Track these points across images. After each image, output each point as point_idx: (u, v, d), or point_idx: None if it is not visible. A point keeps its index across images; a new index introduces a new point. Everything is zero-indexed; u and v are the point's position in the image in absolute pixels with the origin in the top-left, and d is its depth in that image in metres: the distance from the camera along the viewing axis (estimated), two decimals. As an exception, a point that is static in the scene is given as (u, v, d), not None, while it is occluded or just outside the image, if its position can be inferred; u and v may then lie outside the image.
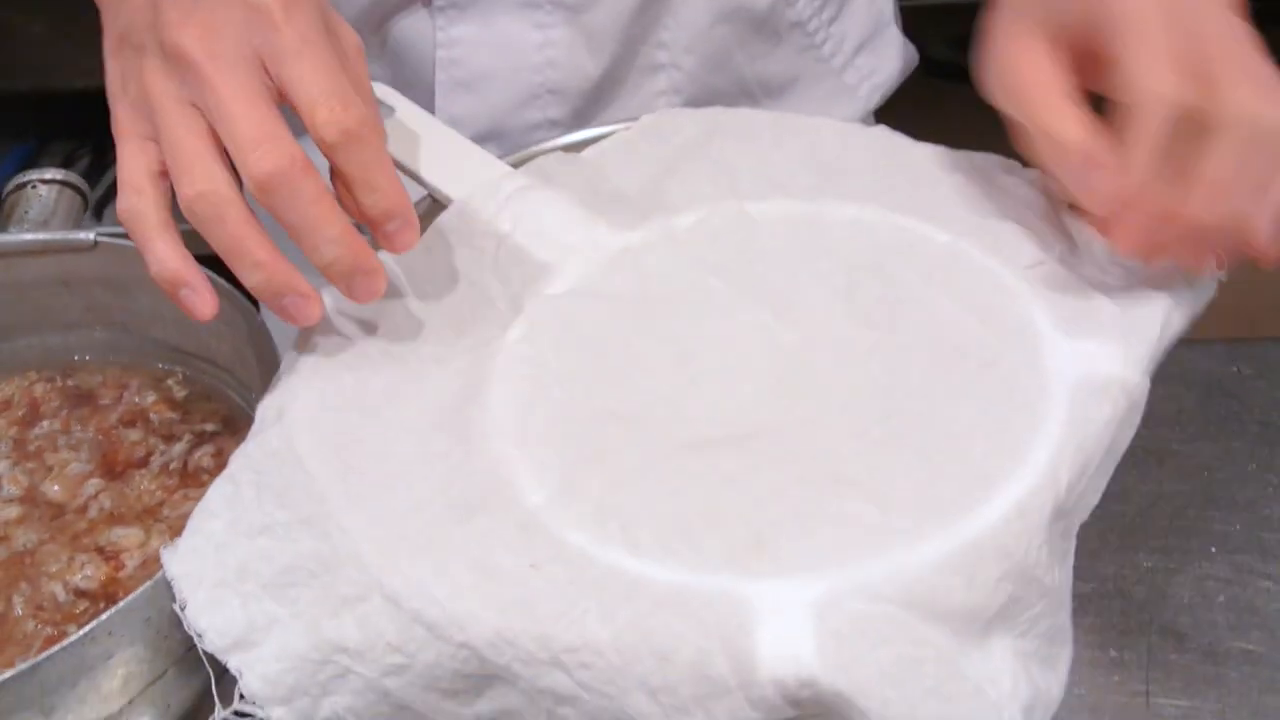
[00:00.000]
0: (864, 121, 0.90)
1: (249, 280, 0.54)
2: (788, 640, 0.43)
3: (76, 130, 1.83)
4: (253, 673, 0.49)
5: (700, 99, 0.83)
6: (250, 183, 0.52)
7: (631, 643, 0.44)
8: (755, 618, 0.44)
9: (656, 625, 0.45)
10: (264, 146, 0.51)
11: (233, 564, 0.51)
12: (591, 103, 0.81)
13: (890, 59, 0.91)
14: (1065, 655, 0.49)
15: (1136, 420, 0.52)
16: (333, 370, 0.57)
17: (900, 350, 0.55)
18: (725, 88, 0.83)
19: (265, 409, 0.57)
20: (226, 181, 0.53)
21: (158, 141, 0.54)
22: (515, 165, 0.67)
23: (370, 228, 0.56)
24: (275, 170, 0.51)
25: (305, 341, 0.59)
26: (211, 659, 0.50)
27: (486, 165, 0.66)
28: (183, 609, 0.51)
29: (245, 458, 0.54)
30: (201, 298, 0.56)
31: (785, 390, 0.54)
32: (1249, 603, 0.66)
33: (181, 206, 0.54)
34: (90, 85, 1.73)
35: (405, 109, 0.67)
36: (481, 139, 0.80)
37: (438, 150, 0.66)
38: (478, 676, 0.47)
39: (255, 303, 0.67)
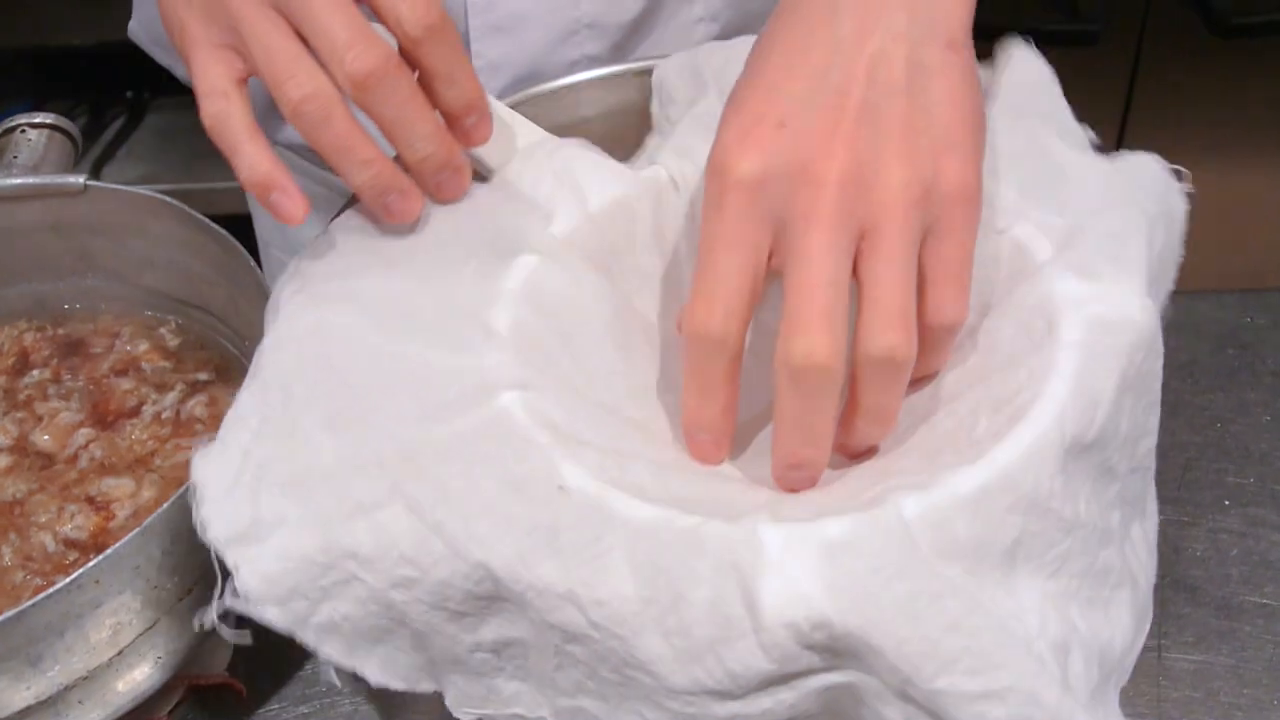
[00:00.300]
0: None
1: (357, 178, 0.54)
2: (797, 580, 0.42)
3: (75, 88, 1.81)
4: (251, 568, 0.46)
5: (735, 24, 0.81)
6: (348, 82, 0.52)
7: (650, 578, 0.43)
8: (766, 558, 0.42)
9: (675, 563, 0.43)
10: (359, 45, 0.51)
11: (253, 465, 0.49)
12: (630, 35, 0.79)
13: None
14: (1124, 599, 0.47)
15: (1157, 349, 0.49)
16: (365, 278, 0.55)
17: None
18: (759, 10, 0.82)
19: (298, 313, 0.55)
20: (329, 82, 0.52)
21: (237, 50, 0.55)
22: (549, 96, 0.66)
23: (449, 122, 0.56)
24: (375, 68, 0.51)
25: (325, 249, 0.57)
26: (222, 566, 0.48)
27: (524, 130, 0.64)
28: (198, 506, 0.49)
29: (276, 364, 0.52)
30: (294, 200, 0.55)
31: None
32: (1263, 556, 0.65)
33: (286, 111, 0.53)
34: (89, 42, 1.71)
35: None
36: (519, 82, 0.79)
37: None
38: (488, 600, 0.45)
39: (255, 254, 0.66)
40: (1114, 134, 1.62)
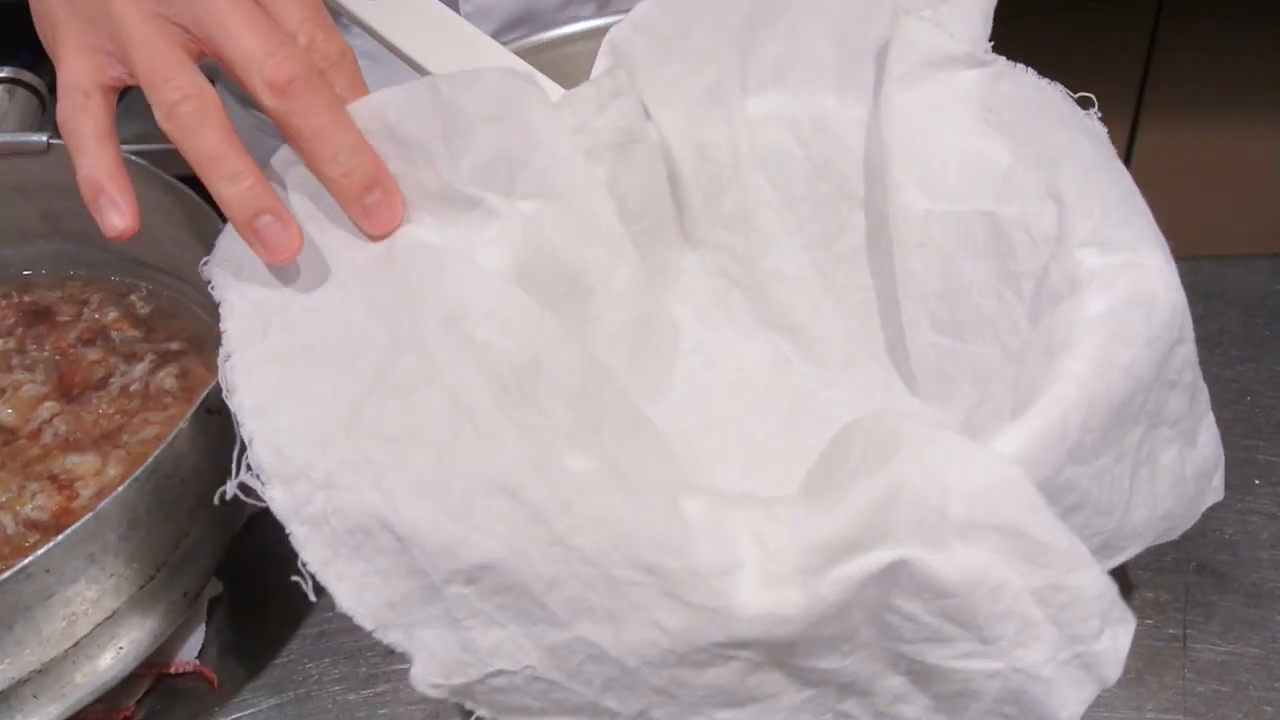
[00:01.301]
0: None
1: (226, 191, 0.50)
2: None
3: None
4: (265, 442, 0.45)
5: None
6: (266, 90, 0.48)
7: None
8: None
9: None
10: (279, 54, 0.48)
11: (282, 332, 0.48)
12: None
13: None
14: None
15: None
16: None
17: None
18: None
19: None
20: (210, 88, 0.50)
21: (115, 56, 0.51)
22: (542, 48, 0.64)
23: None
24: (296, 75, 0.48)
25: None
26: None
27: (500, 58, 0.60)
28: (226, 360, 0.48)
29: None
30: (119, 211, 0.52)
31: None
32: (1296, 539, 0.61)
33: (161, 115, 0.50)
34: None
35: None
36: (513, 23, 0.75)
37: (451, 42, 0.60)
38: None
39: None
40: (1133, 94, 1.58)
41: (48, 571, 0.49)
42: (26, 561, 0.48)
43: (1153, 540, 0.49)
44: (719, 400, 0.57)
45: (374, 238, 0.51)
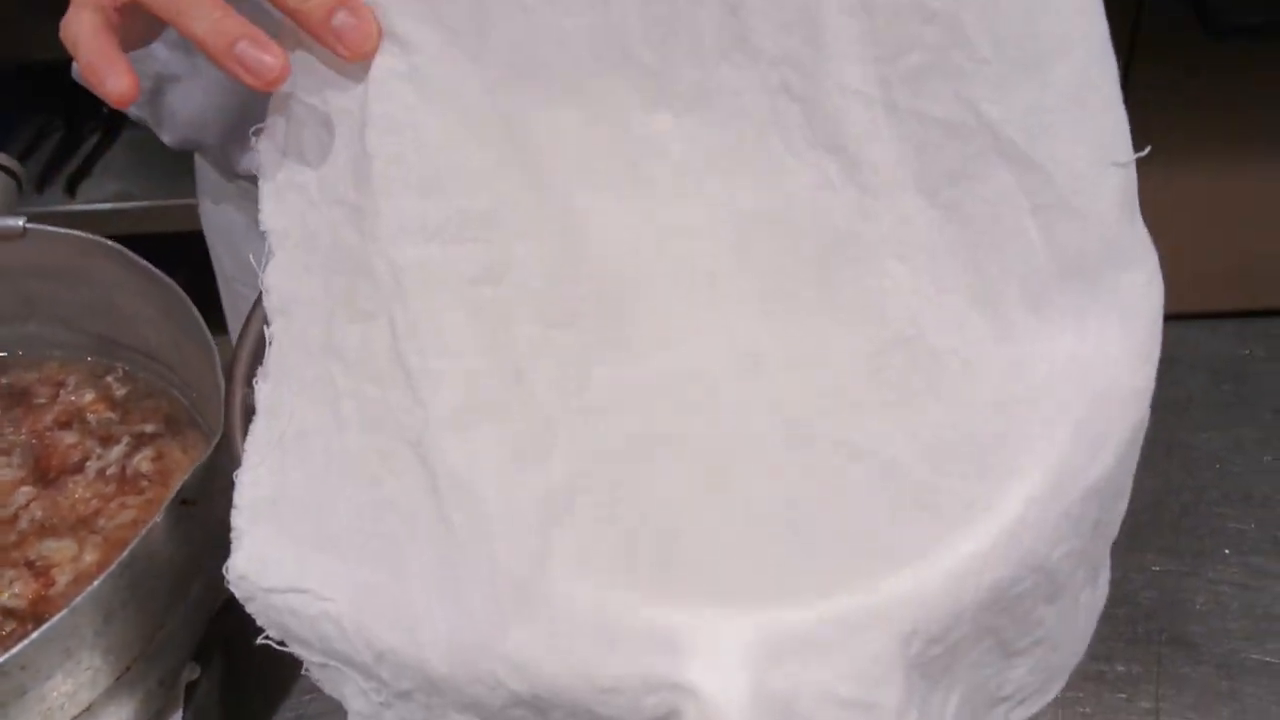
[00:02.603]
0: None
1: (199, 28, 0.50)
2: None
3: (51, 103, 1.78)
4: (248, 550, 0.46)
5: None
6: None
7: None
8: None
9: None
10: None
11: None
12: None
13: None
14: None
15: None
16: None
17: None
18: None
19: None
20: None
21: None
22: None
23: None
24: None
25: None
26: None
27: None
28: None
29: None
30: (117, 77, 0.52)
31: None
32: (1266, 609, 0.62)
33: None
34: (64, 58, 1.69)
35: None
36: None
37: None
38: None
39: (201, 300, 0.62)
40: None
41: (23, 668, 0.49)
42: (4, 658, 0.48)
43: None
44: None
45: (349, 59, 0.50)
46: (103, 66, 0.52)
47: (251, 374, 0.54)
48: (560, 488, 0.45)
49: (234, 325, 0.95)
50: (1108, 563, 0.51)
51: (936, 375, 0.47)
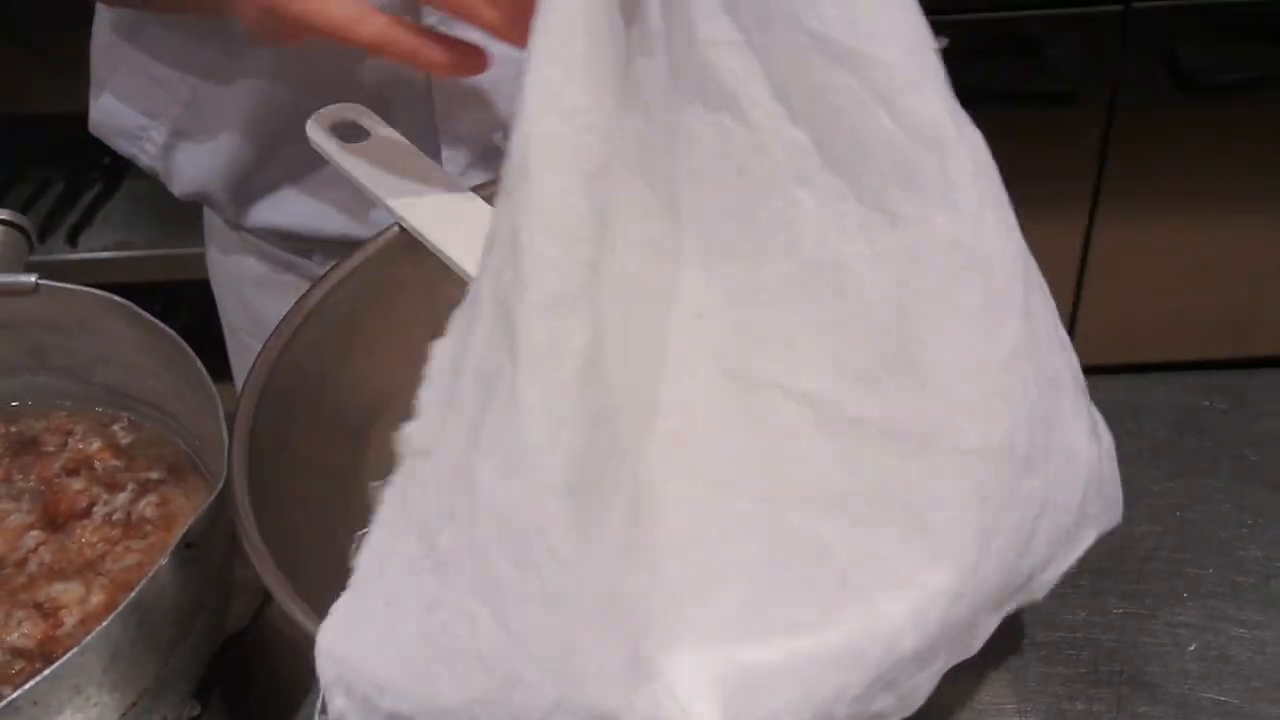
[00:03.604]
0: None
1: (364, 34, 0.59)
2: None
3: (53, 154, 1.82)
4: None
5: None
6: None
7: None
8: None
9: None
10: None
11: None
12: None
13: None
14: None
15: None
16: None
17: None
18: None
19: None
20: None
21: None
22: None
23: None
24: None
25: None
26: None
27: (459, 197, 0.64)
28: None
29: None
30: (436, 50, 0.61)
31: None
32: (1221, 650, 0.64)
33: None
34: (67, 111, 1.73)
35: (381, 134, 0.66)
36: (487, 155, 0.79)
37: (413, 179, 0.64)
38: None
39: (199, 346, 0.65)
40: (1089, 193, 1.63)
41: (34, 704, 0.51)
42: (14, 695, 0.50)
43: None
44: None
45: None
46: (410, 45, 0.60)
47: (253, 423, 0.57)
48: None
49: (238, 373, 0.98)
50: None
51: (850, 288, 0.51)
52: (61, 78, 1.67)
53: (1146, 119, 1.58)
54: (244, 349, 0.98)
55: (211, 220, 0.96)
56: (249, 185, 0.83)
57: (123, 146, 0.87)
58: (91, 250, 1.73)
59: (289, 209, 0.84)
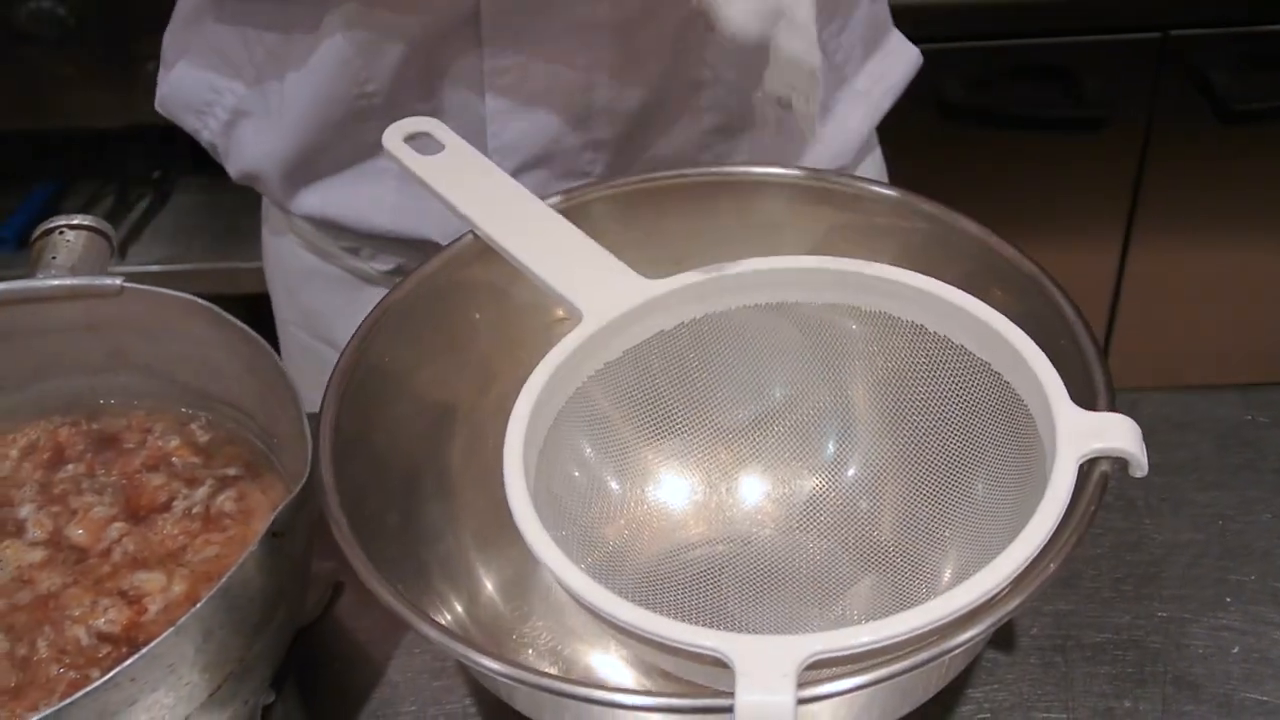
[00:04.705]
0: (874, 125, 0.94)
1: None
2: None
3: (102, 169, 1.85)
4: None
5: (738, 114, 0.85)
6: None
7: None
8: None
9: None
10: None
11: None
12: (638, 125, 0.82)
13: (897, 62, 0.94)
14: None
15: None
16: None
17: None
18: (757, 103, 0.85)
19: None
20: None
21: None
22: (563, 207, 0.68)
23: None
24: None
25: None
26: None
27: (533, 208, 0.67)
28: None
29: None
30: None
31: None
32: (1263, 654, 0.66)
33: None
34: (116, 124, 1.76)
35: (455, 145, 0.68)
36: (533, 163, 0.82)
37: (488, 191, 0.67)
38: None
39: (278, 347, 0.68)
40: (1123, 220, 1.65)
41: (133, 680, 0.54)
42: (115, 671, 0.53)
43: None
44: None
45: None
46: None
47: (337, 417, 0.60)
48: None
49: (288, 365, 1.00)
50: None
51: None
52: (112, 91, 1.71)
53: (1181, 145, 1.60)
54: (293, 340, 1.01)
55: (268, 211, 0.99)
56: (302, 170, 0.86)
57: (188, 121, 0.90)
58: (140, 263, 1.76)
59: (337, 198, 0.87)
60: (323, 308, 0.97)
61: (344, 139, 0.84)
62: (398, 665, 0.69)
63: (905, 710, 0.57)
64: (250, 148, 0.88)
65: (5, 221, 1.80)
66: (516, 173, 0.83)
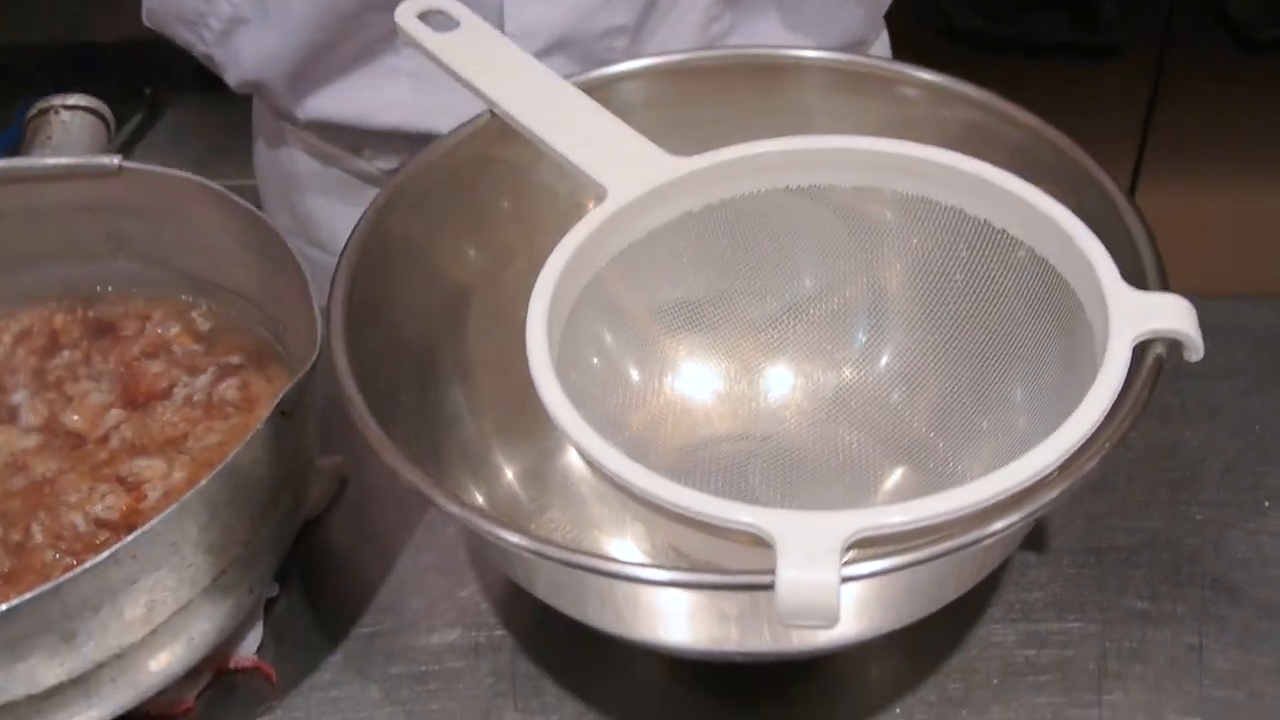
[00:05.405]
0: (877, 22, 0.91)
1: None
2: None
3: (94, 83, 1.81)
4: None
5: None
6: None
7: None
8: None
9: None
10: None
11: None
12: (652, 6, 0.79)
13: None
14: None
15: None
16: None
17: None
18: None
19: None
20: None
21: None
22: (586, 87, 0.64)
23: None
24: None
25: None
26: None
27: (554, 85, 0.63)
28: None
29: None
30: None
31: None
32: (1304, 558, 0.64)
33: None
34: (108, 38, 1.72)
35: (470, 22, 0.65)
36: (552, 48, 0.79)
37: (506, 67, 0.64)
38: None
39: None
40: (1134, 147, 1.62)
41: (134, 558, 0.51)
42: (117, 547, 0.50)
43: None
44: None
45: None
46: None
47: (350, 293, 0.57)
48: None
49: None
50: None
51: None
52: (104, 5, 1.68)
53: (1197, 73, 1.57)
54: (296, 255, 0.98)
55: (261, 114, 0.96)
56: (310, 72, 0.83)
57: (180, 34, 0.86)
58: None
59: (347, 99, 0.83)
60: (322, 212, 0.94)
61: (352, 34, 0.81)
62: (405, 562, 0.67)
63: (936, 607, 0.55)
64: (251, 55, 0.84)
65: (-12, 144, 1.77)
66: (537, 58, 0.80)
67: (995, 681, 0.60)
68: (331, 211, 0.93)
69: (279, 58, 0.82)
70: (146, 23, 0.88)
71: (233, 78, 0.87)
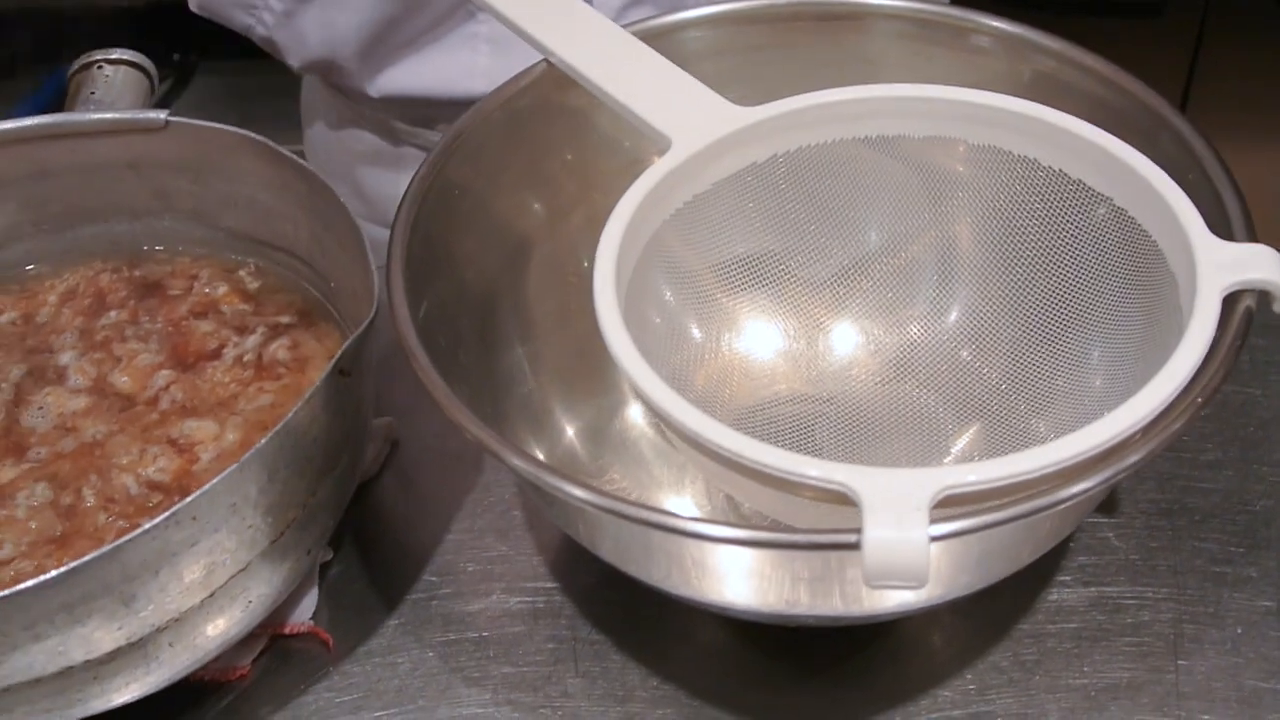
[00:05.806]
0: None
1: None
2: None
3: (133, 49, 1.80)
4: None
5: None
6: None
7: None
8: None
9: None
10: None
11: None
12: None
13: None
14: None
15: None
16: None
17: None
18: None
19: None
20: None
21: None
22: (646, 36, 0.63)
23: None
24: None
25: None
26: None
27: (614, 34, 0.62)
28: None
29: None
30: None
31: None
32: (1386, 515, 0.62)
33: None
34: (139, 4, 1.71)
35: None
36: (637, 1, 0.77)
37: (565, 16, 0.62)
38: None
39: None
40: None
41: (194, 519, 0.50)
42: (177, 508, 0.49)
43: None
44: None
45: None
46: None
47: (409, 244, 0.56)
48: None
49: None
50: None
51: None
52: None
53: (1238, 32, 1.55)
54: None
55: (317, 97, 0.94)
56: (382, 47, 0.81)
57: (237, 18, 0.84)
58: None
59: (425, 70, 0.81)
60: (389, 194, 0.92)
61: (425, 2, 0.79)
62: (459, 525, 0.66)
63: (1010, 571, 0.54)
64: (317, 35, 0.82)
65: (22, 104, 1.75)
66: (619, 14, 0.78)
67: (1068, 647, 0.58)
68: (402, 189, 0.92)
69: (348, 35, 0.80)
70: (196, 10, 0.86)
71: (296, 59, 0.84)
